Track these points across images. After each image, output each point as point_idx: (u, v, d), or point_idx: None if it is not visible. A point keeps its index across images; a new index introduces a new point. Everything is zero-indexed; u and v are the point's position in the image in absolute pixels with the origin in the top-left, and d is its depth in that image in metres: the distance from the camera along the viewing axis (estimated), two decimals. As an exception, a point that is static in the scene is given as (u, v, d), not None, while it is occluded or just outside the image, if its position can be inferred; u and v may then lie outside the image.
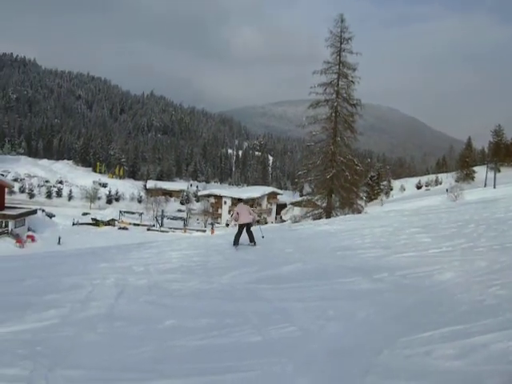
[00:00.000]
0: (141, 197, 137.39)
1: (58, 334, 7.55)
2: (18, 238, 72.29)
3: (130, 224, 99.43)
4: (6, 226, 76.74)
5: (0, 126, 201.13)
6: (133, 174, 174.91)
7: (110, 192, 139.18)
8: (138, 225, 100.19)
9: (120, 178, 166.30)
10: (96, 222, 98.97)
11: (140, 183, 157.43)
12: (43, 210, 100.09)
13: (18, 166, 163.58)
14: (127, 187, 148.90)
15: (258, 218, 17.80)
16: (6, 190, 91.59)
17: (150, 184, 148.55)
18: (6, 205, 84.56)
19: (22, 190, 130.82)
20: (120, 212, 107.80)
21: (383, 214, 31.36)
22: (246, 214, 17.36)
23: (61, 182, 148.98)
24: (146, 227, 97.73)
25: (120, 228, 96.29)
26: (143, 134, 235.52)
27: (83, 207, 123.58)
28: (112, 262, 15.63)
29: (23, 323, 8.26)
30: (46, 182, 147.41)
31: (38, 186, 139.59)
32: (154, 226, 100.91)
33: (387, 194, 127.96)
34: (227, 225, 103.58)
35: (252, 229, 17.59)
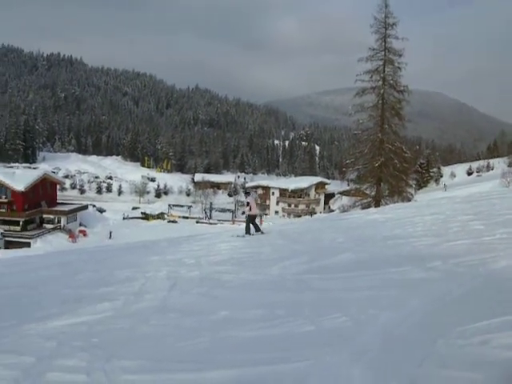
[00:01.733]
0: (189, 190, 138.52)
1: (113, 326, 7.69)
2: (70, 233, 73.77)
3: (179, 217, 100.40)
4: (59, 221, 78.45)
5: (50, 124, 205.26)
6: (180, 168, 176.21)
7: (158, 186, 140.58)
8: (187, 218, 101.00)
9: (168, 171, 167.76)
10: (146, 216, 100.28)
11: (188, 176, 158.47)
12: (94, 206, 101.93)
13: (69, 163, 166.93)
14: (175, 181, 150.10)
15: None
16: (58, 186, 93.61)
17: (198, 177, 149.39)
18: (58, 201, 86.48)
19: (73, 187, 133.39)
20: (169, 205, 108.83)
21: (434, 201, 30.86)
22: (255, 206, 19.01)
23: (110, 178, 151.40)
24: (194, 220, 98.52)
25: (169, 221, 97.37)
26: (190, 128, 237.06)
27: (133, 202, 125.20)
28: (163, 254, 15.82)
29: (79, 316, 8.44)
30: (96, 177, 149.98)
31: (89, 181, 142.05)
32: (202, 218, 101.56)
33: (437, 181, 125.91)
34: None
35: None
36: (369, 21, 48.17)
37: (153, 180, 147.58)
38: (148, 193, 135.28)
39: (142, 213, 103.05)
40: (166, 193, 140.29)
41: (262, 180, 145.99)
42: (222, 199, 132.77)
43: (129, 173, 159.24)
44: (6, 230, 72.88)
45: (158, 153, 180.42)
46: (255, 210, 19.23)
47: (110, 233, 75.53)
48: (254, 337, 6.52)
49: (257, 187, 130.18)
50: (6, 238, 70.86)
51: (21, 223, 74.72)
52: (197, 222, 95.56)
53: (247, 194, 20.90)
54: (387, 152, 47.39)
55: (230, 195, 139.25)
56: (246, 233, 18.83)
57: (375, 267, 10.26)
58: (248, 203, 19.22)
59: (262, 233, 18.83)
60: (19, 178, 78.83)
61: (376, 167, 47.45)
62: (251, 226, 19.22)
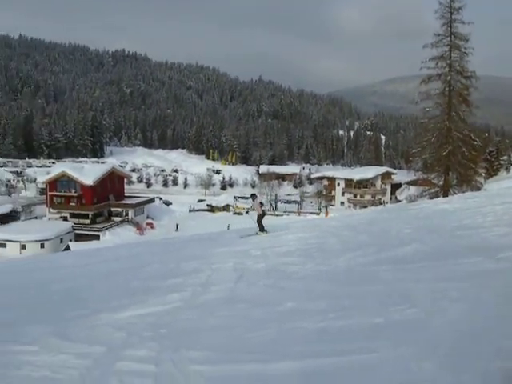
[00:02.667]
0: (254, 182, 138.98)
1: (181, 317, 7.79)
2: (138, 226, 75.22)
3: (244, 209, 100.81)
4: (127, 214, 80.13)
5: (116, 119, 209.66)
6: (245, 160, 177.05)
7: (223, 178, 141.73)
8: (253, 209, 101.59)
9: (233, 164, 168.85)
10: (211, 208, 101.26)
11: (253, 168, 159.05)
12: (160, 198, 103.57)
13: (135, 157, 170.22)
14: (240, 173, 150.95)
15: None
16: (125, 180, 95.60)
17: (263, 169, 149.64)
18: (125, 194, 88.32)
19: (139, 180, 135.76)
20: (234, 197, 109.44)
21: (504, 190, 30.03)
22: (259, 208, 20.25)
23: (176, 171, 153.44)
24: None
25: (235, 213, 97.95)
26: (254, 120, 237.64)
27: (198, 194, 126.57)
28: (229, 246, 15.93)
29: (148, 307, 8.60)
30: (162, 171, 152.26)
31: (155, 175, 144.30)
32: (268, 209, 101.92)
33: (507, 169, 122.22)
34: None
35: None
36: (433, 6, 47.06)
37: (218, 172, 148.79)
38: (213, 185, 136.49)
39: (207, 205, 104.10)
40: (231, 185, 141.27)
41: (327, 171, 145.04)
42: (287, 191, 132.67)
43: (194, 166, 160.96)
44: (75, 223, 74.95)
45: (223, 145, 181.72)
46: (259, 211, 20.25)
47: (177, 225, 76.59)
48: (320, 328, 6.48)
49: (322, 178, 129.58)
50: (76, 231, 72.85)
51: (90, 216, 76.71)
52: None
53: (253, 195, 22.45)
54: (455, 140, 46.28)
55: (295, 186, 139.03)
56: (261, 230, 19.47)
57: (444, 258, 10.04)
58: (259, 203, 20.84)
59: (258, 233, 19.36)
60: (88, 172, 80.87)
61: (443, 156, 46.42)
62: (257, 224, 20.02)
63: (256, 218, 20.36)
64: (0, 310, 9.71)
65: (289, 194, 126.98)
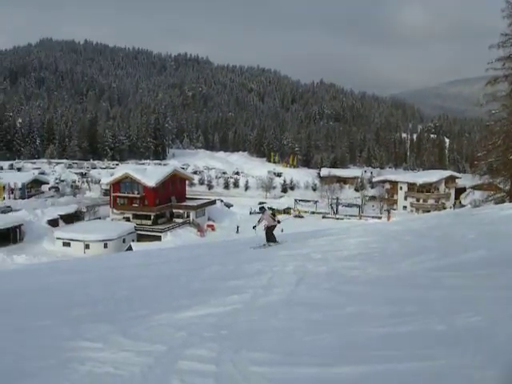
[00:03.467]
0: (315, 185, 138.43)
1: (242, 318, 7.82)
2: (198, 227, 75.87)
3: (305, 212, 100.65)
4: (188, 216, 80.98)
5: (179, 122, 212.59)
6: (306, 163, 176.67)
7: (284, 181, 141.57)
8: (313, 213, 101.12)
9: (294, 166, 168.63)
10: (272, 211, 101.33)
11: (314, 171, 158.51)
12: (222, 201, 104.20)
13: (197, 159, 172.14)
14: (301, 176, 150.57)
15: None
16: (187, 182, 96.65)
17: (324, 172, 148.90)
18: (187, 196, 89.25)
19: (201, 182, 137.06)
20: (295, 200, 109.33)
21: None
22: (269, 219, 19.80)
23: (237, 173, 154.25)
24: (321, 215, 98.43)
25: (295, 216, 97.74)
26: (315, 123, 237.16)
27: (259, 197, 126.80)
28: (290, 249, 15.91)
29: (209, 308, 8.67)
30: (224, 173, 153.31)
31: (216, 177, 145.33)
32: (329, 213, 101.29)
33: None
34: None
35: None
36: (500, 5, 45.74)
37: (279, 175, 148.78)
38: (274, 188, 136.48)
39: (268, 208, 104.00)
40: (292, 188, 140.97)
41: (390, 174, 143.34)
42: (348, 194, 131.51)
43: (255, 168, 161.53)
44: (138, 224, 76.23)
45: (284, 148, 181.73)
46: (271, 221, 19.87)
47: (238, 227, 76.93)
48: (382, 334, 6.40)
49: (384, 181, 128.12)
50: (139, 232, 74.09)
51: (152, 217, 77.86)
52: (323, 217, 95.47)
53: (262, 209, 21.58)
54: (522, 143, 44.91)
55: (356, 190, 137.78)
56: (272, 241, 19.30)
57: (510, 265, 9.77)
58: (260, 219, 20.24)
59: (266, 246, 19.16)
60: (150, 174, 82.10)
61: (510, 160, 45.13)
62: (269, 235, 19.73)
63: (265, 230, 20.05)
64: (66, 308, 9.96)
65: (355, 198, 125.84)
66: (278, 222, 20.34)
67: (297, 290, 9.45)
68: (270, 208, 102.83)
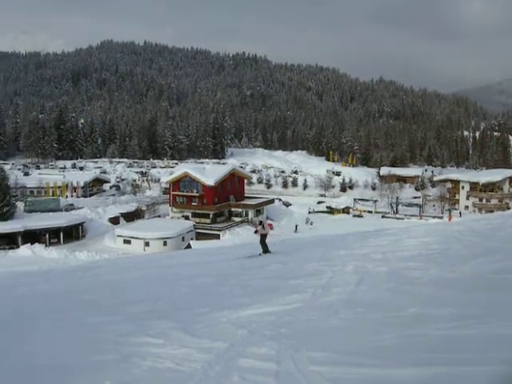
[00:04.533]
0: (374, 184, 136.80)
1: (302, 317, 7.83)
2: (257, 226, 75.73)
3: (364, 211, 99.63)
4: (247, 214, 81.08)
5: (237, 121, 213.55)
6: (365, 161, 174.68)
7: (343, 180, 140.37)
8: (373, 212, 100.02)
9: (353, 165, 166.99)
10: (331, 210, 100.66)
11: (373, 170, 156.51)
12: (280, 199, 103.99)
13: (255, 158, 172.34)
14: (360, 175, 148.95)
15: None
16: (246, 181, 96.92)
17: (384, 170, 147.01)
18: (245, 195, 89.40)
19: (259, 181, 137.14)
20: (354, 199, 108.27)
21: None
22: (266, 227, 20.34)
23: (296, 172, 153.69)
24: (380, 214, 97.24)
25: (355, 215, 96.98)
26: (374, 121, 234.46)
27: (318, 196, 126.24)
28: (350, 249, 15.81)
29: (268, 306, 8.71)
30: (282, 172, 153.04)
31: (275, 176, 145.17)
32: (388, 213, 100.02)
33: None
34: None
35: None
36: None
37: (338, 174, 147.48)
38: (333, 187, 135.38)
39: (327, 207, 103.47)
40: (351, 187, 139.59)
41: (451, 173, 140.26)
42: (408, 193, 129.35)
43: (314, 167, 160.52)
44: (197, 223, 76.82)
45: (343, 147, 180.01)
46: (266, 230, 20.22)
47: (296, 226, 76.72)
48: (444, 336, 6.30)
49: (445, 181, 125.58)
50: (197, 230, 74.67)
51: (211, 216, 78.39)
52: (382, 217, 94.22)
53: (261, 222, 21.69)
54: None
55: (417, 189, 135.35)
56: (265, 251, 19.01)
57: None
58: (262, 226, 20.48)
59: (262, 254, 18.91)
60: (209, 173, 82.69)
61: None
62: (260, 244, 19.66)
63: (260, 239, 19.91)
64: (128, 304, 10.16)
65: (415, 197, 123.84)
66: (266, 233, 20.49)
67: (357, 290, 9.39)
68: (329, 207, 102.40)
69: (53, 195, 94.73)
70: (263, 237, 19.75)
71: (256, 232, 20.44)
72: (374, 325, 7.05)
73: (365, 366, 5.41)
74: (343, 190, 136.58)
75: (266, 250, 19.23)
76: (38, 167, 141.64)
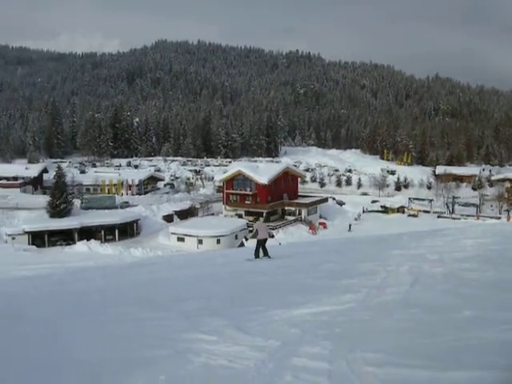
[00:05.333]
0: (430, 183, 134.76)
1: (355, 317, 7.77)
2: (310, 225, 75.73)
3: (419, 211, 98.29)
4: (300, 213, 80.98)
5: (291, 119, 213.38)
6: (421, 160, 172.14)
7: (398, 179, 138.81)
8: (428, 212, 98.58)
9: (408, 164, 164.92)
10: (385, 210, 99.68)
11: (429, 169, 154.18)
12: (334, 198, 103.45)
13: (309, 157, 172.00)
14: (416, 173, 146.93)
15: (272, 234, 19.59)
16: (299, 179, 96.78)
17: (440, 169, 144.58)
18: (299, 194, 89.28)
19: (313, 180, 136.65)
20: (409, 199, 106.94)
21: None
22: (263, 232, 19.42)
23: (349, 171, 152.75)
24: (436, 214, 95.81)
25: (409, 215, 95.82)
26: (430, 119, 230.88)
27: (372, 195, 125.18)
28: (405, 249, 15.62)
29: (322, 306, 8.67)
30: (336, 170, 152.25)
31: (328, 175, 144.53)
32: (444, 213, 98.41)
33: None
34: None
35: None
36: None
37: (392, 173, 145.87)
38: (387, 186, 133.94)
39: (381, 206, 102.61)
40: (405, 186, 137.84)
41: (510, 172, 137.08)
42: (465, 193, 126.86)
43: (368, 166, 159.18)
44: (250, 221, 77.02)
45: (398, 145, 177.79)
46: (264, 235, 19.35)
47: (350, 225, 76.32)
48: (502, 340, 6.17)
49: (504, 180, 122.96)
50: (250, 228, 74.68)
51: (264, 214, 78.51)
52: (438, 217, 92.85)
53: (257, 219, 20.94)
54: None
55: (474, 189, 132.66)
56: (255, 257, 18.81)
57: None
58: (257, 230, 19.88)
59: (269, 257, 18.61)
60: (263, 171, 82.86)
61: None
62: (263, 250, 19.14)
63: (257, 243, 19.51)
64: (182, 301, 10.27)
65: (472, 197, 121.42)
66: (272, 236, 20.32)
67: (412, 290, 9.27)
68: (383, 206, 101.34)
69: (108, 193, 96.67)
70: (260, 242, 19.35)
71: (253, 237, 20.42)
72: (430, 326, 6.95)
73: (419, 367, 5.34)
74: (398, 189, 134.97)
75: (265, 253, 18.98)
76: (94, 165, 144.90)
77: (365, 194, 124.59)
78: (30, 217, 68.48)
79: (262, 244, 19.27)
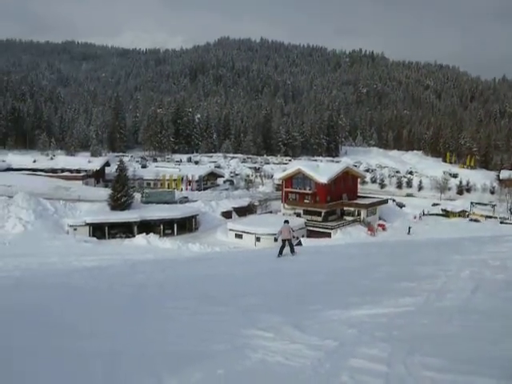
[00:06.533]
0: (493, 187, 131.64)
1: (414, 321, 7.69)
2: (369, 226, 75.03)
3: (481, 216, 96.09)
4: (359, 214, 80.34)
5: (352, 119, 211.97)
6: (485, 164, 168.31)
7: (460, 182, 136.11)
8: (491, 217, 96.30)
9: (471, 167, 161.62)
10: (446, 213, 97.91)
11: (492, 173, 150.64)
12: (394, 200, 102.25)
13: (370, 157, 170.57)
14: (479, 177, 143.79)
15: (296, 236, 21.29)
16: (359, 180, 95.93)
17: (504, 174, 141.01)
18: (358, 194, 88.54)
19: (373, 181, 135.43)
20: (471, 203, 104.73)
21: None
22: (286, 233, 21.72)
23: (411, 173, 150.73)
24: (499, 220, 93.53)
25: (471, 220, 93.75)
26: (495, 122, 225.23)
27: (433, 198, 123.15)
28: (466, 254, 15.32)
29: (379, 307, 8.62)
30: (397, 172, 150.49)
31: (389, 176, 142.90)
32: (507, 218, 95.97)
33: None
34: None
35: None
36: None
37: (455, 176, 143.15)
38: (449, 189, 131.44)
39: (442, 210, 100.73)
40: (468, 190, 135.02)
41: None
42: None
43: (429, 168, 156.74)
44: (308, 220, 76.65)
45: (461, 148, 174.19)
46: (287, 236, 21.63)
47: (409, 228, 75.20)
48: None
49: None
50: (309, 228, 74.58)
51: (322, 214, 77.96)
52: (501, 223, 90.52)
53: (286, 222, 23.38)
54: None
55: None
56: (279, 255, 20.83)
57: None
58: (281, 231, 22.12)
59: (294, 254, 21.05)
60: (322, 170, 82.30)
61: None
62: (290, 247, 21.49)
63: (282, 242, 21.66)
64: (239, 296, 10.36)
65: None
66: (297, 238, 21.86)
67: (473, 296, 9.09)
68: (444, 210, 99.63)
69: (168, 187, 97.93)
70: (284, 241, 21.48)
71: (275, 240, 22.52)
72: (491, 334, 6.82)
73: (479, 375, 5.27)
74: (460, 192, 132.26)
75: (291, 251, 21.30)
76: (155, 160, 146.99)
77: (424, 197, 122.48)
78: (92, 209, 69.89)
79: (285, 243, 21.38)
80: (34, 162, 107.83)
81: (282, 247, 21.30)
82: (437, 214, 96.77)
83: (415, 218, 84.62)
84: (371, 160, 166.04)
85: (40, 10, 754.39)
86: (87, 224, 64.40)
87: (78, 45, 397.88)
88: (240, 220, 75.88)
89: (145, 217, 67.53)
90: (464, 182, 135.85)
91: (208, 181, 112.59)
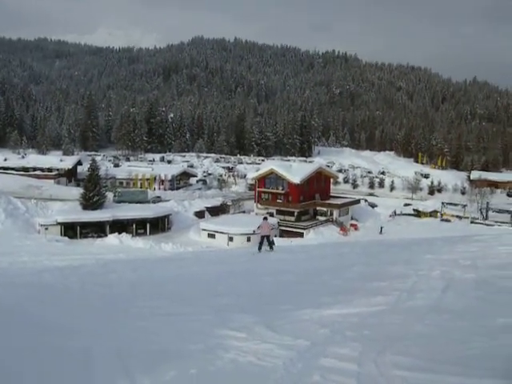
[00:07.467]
0: (464, 188, 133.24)
1: (385, 320, 7.74)
2: (341, 226, 75.41)
3: (452, 216, 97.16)
4: (331, 214, 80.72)
5: (325, 119, 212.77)
6: (456, 165, 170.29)
7: (432, 183, 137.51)
8: (461, 217, 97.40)
9: (442, 168, 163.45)
10: (418, 213, 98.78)
11: (463, 174, 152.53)
12: (366, 200, 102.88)
13: (342, 158, 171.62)
14: (450, 178, 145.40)
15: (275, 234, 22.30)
16: (332, 180, 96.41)
17: (474, 175, 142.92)
18: (331, 194, 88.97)
19: (345, 181, 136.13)
20: (442, 203, 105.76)
21: None
22: (266, 229, 22.84)
23: (383, 173, 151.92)
24: (469, 220, 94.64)
25: (442, 220, 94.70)
26: (466, 123, 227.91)
27: (405, 198, 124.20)
28: (437, 253, 15.47)
29: (351, 307, 8.67)
30: (369, 172, 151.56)
31: (361, 176, 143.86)
32: (478, 218, 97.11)
33: None
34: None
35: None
36: None
37: (426, 176, 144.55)
38: (421, 189, 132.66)
39: (413, 210, 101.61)
40: (439, 190, 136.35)
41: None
42: (500, 199, 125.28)
43: (401, 168, 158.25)
44: (281, 220, 76.92)
45: (433, 149, 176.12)
46: (265, 232, 22.58)
47: (381, 228, 75.73)
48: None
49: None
50: (281, 227, 74.82)
51: (295, 214, 78.30)
52: (471, 223, 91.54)
53: (265, 218, 24.39)
54: None
55: (509, 195, 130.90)
56: (259, 250, 21.74)
57: None
58: (260, 227, 23.11)
59: (272, 250, 21.88)
60: (295, 171, 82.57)
61: None
62: (268, 243, 22.44)
63: (260, 238, 22.59)
64: (211, 296, 10.34)
65: (507, 204, 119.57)
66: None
67: (443, 296, 9.17)
68: (416, 210, 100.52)
69: (141, 187, 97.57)
70: (263, 238, 22.39)
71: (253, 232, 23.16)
72: (461, 333, 6.88)
73: (449, 373, 5.32)
74: (431, 193, 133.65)
75: (270, 247, 22.07)
76: (127, 159, 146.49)
77: (410, 198, 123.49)
78: (63, 208, 69.20)
79: (263, 239, 22.20)
80: (5, 160, 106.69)
81: (261, 243, 21.77)
82: (408, 214, 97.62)
83: (391, 216, 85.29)
84: (344, 160, 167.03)
85: (13, 6, 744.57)
86: (59, 223, 63.74)
87: (50, 42, 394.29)
88: (213, 220, 75.72)
89: (117, 216, 67.06)
90: (435, 183, 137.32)
91: (181, 180, 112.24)
